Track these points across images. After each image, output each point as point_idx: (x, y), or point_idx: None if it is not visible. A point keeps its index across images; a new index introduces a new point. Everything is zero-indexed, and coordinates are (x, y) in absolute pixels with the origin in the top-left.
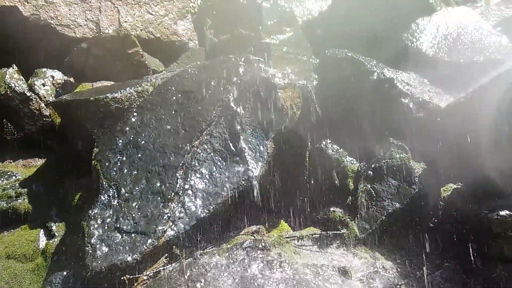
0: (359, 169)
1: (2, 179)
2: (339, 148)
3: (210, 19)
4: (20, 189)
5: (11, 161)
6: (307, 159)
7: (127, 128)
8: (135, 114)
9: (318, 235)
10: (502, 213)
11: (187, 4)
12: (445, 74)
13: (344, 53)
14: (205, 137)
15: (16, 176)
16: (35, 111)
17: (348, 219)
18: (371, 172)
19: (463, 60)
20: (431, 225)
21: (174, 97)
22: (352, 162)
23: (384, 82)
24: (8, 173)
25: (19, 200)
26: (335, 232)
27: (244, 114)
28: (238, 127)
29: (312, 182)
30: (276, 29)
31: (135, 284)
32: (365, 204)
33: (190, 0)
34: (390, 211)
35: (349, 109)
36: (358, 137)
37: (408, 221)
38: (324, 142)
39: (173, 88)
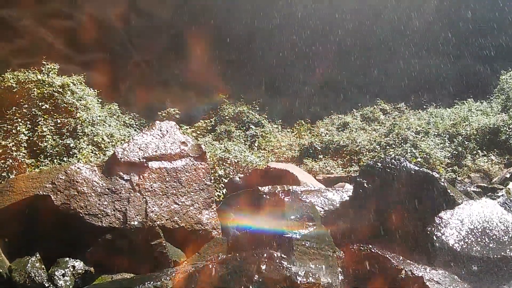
0: None
1: None
2: None
3: (233, 211)
4: None
5: None
6: None
7: None
8: None
9: None
10: None
11: (213, 194)
12: (476, 269)
13: (369, 249)
14: None
15: None
16: None
17: None
18: None
19: (492, 256)
20: None
21: None
22: None
23: (413, 282)
24: None
25: None
26: None
27: None
28: None
29: None
30: (298, 224)
31: None
32: None
33: (216, 190)
34: None
35: None
36: None
37: None
38: None
39: (192, 285)
